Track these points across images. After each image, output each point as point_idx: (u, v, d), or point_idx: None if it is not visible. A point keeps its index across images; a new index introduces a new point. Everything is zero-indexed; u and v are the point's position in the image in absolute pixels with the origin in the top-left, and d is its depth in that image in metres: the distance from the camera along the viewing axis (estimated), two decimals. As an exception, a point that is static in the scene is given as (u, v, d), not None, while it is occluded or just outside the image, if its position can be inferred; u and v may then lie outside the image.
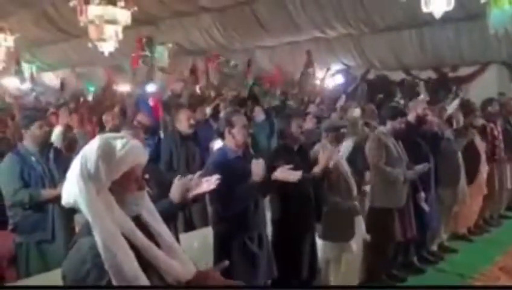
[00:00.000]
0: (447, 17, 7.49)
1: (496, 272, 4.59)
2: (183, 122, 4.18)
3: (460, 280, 4.44)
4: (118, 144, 1.54)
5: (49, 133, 3.32)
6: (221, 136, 3.11)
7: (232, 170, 2.86)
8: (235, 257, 2.88)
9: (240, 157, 3.04)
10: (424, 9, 6.97)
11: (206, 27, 12.17)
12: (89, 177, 1.49)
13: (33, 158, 3.14)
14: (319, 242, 3.81)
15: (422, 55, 10.44)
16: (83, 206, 1.49)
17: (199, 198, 2.32)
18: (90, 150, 1.53)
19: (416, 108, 4.90)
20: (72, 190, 1.51)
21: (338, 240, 3.85)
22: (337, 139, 3.83)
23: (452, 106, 5.89)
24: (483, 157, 5.50)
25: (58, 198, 2.92)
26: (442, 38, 9.97)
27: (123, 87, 12.32)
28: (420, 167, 4.26)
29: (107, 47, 9.43)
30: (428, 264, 4.81)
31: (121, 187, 1.53)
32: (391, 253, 4.39)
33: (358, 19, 10.12)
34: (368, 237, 4.03)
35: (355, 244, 3.87)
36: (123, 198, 1.54)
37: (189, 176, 2.17)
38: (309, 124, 5.19)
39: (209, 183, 2.11)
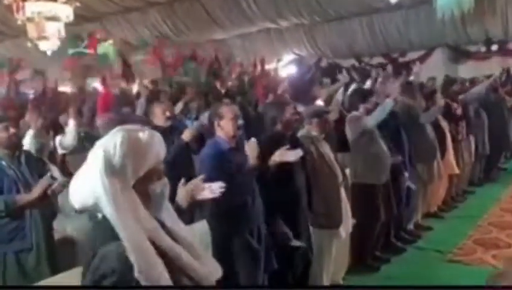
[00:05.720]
0: (396, 4, 7.69)
1: (471, 245, 4.73)
2: (159, 116, 3.97)
3: (440, 255, 4.54)
4: (143, 137, 1.43)
5: (17, 135, 2.99)
6: (212, 127, 3.00)
7: (228, 161, 2.82)
8: (237, 252, 2.78)
9: (234, 148, 2.96)
10: (378, -5, 7.12)
11: (153, 22, 11.78)
12: (113, 174, 1.36)
13: (3, 162, 2.85)
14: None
15: (372, 42, 10.71)
16: (107, 206, 1.34)
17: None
18: (113, 144, 1.39)
19: (385, 90, 4.94)
20: (93, 189, 1.36)
21: (326, 227, 3.78)
22: (321, 126, 3.76)
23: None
24: (448, 136, 5.67)
25: (34, 204, 2.72)
26: (391, 25, 10.28)
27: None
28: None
29: (49, 46, 8.82)
30: (407, 243, 4.88)
31: (143, 185, 1.41)
32: (375, 233, 4.39)
33: (310, 8, 10.17)
34: (353, 220, 4.00)
35: (345, 232, 3.83)
36: (147, 198, 1.43)
37: (194, 181, 2.10)
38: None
39: (211, 190, 2.08)
